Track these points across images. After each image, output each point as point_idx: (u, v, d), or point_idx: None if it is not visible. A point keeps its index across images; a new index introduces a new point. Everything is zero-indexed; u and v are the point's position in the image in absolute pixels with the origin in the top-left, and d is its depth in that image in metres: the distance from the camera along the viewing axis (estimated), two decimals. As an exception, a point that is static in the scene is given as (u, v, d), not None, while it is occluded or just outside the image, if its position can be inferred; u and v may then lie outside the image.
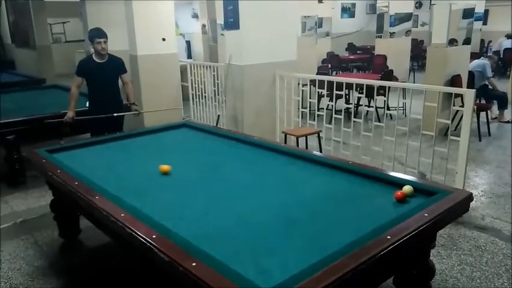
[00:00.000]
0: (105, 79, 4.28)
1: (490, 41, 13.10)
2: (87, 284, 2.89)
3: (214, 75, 6.21)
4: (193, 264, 1.53)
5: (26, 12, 10.27)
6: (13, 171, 4.53)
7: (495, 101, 6.93)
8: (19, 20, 11.13)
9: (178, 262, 1.56)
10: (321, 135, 4.61)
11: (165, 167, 2.67)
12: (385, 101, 4.64)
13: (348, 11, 15.27)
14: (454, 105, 3.99)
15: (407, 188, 2.17)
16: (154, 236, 1.75)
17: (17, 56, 12.00)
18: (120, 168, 2.87)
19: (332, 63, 11.05)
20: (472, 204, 2.18)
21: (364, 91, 4.52)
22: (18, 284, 2.86)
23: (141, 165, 2.92)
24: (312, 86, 5.40)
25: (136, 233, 1.81)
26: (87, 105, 4.40)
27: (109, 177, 2.62)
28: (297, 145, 4.31)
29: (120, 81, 4.46)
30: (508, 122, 6.82)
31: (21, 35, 11.20)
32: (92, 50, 4.28)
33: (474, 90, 3.68)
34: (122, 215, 1.98)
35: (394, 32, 10.75)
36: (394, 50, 10.34)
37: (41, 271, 3.01)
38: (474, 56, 7.18)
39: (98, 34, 4.16)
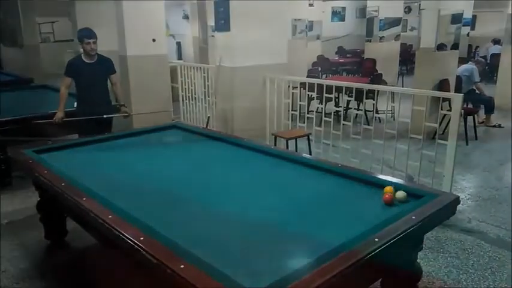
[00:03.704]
0: (94, 79, 4.25)
1: (478, 46, 13.28)
2: (73, 286, 2.86)
3: (204, 76, 6.20)
4: (181, 266, 1.52)
5: (14, 10, 10.15)
6: (-1, 172, 4.46)
7: (482, 106, 7.02)
8: (7, 18, 10.99)
9: (165, 264, 1.55)
10: (310, 137, 4.62)
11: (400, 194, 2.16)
12: (374, 104, 4.68)
13: (338, 15, 15.35)
14: (441, 109, 4.03)
15: (400, 194, 2.15)
16: (142, 238, 1.74)
17: (4, 55, 11.85)
18: (109, 170, 2.84)
19: (322, 66, 11.10)
20: (459, 207, 2.21)
21: (354, 94, 4.55)
22: (3, 287, 2.81)
23: (129, 167, 2.90)
24: (302, 89, 5.42)
25: (123, 234, 1.80)
26: (75, 105, 4.36)
27: (97, 178, 2.60)
28: (287, 147, 4.32)
29: (109, 81, 4.44)
30: (494, 126, 6.92)
31: (8, 34, 11.06)
32: (82, 50, 4.25)
33: (462, 94, 3.73)
34: (110, 216, 1.96)
35: (384, 36, 10.84)
36: (383, 54, 10.43)
37: (26, 273, 2.96)
38: (462, 60, 7.28)
39: (87, 34, 4.13)
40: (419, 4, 12.36)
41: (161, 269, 1.56)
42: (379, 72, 8.61)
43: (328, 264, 1.52)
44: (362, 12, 14.60)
